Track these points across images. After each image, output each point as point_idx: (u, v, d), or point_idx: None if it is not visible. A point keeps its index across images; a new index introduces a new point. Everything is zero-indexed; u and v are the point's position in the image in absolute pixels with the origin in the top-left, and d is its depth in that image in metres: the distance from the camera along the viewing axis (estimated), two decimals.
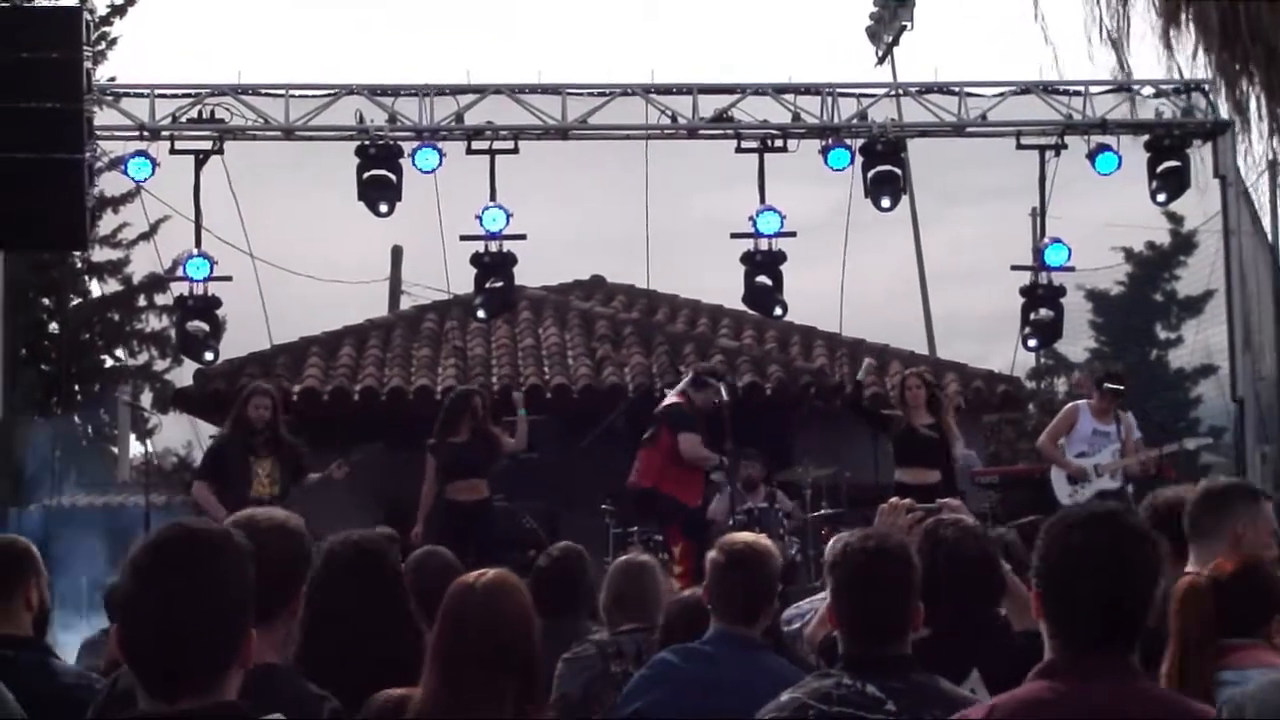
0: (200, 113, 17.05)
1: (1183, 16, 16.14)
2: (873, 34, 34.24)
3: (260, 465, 13.91)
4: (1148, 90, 17.90)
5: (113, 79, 22.73)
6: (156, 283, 37.17)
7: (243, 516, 5.01)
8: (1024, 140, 17.74)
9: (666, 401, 15.79)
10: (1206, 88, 17.58)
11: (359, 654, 5.66)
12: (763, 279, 17.49)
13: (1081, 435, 15.42)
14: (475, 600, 5.08)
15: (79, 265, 37.70)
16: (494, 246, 17.26)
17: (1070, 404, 16.39)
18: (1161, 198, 17.97)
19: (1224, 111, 17.40)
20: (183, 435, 38.88)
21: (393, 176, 16.94)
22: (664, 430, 15.30)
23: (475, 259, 17.33)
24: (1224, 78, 16.36)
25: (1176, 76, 17.26)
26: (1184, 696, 4.40)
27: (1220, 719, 3.74)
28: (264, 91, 17.21)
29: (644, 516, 15.64)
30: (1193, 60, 16.32)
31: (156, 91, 17.09)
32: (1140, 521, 4.27)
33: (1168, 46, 16.46)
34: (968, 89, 17.67)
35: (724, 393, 15.57)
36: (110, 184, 31.56)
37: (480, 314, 18.36)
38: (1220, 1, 15.40)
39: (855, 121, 17.50)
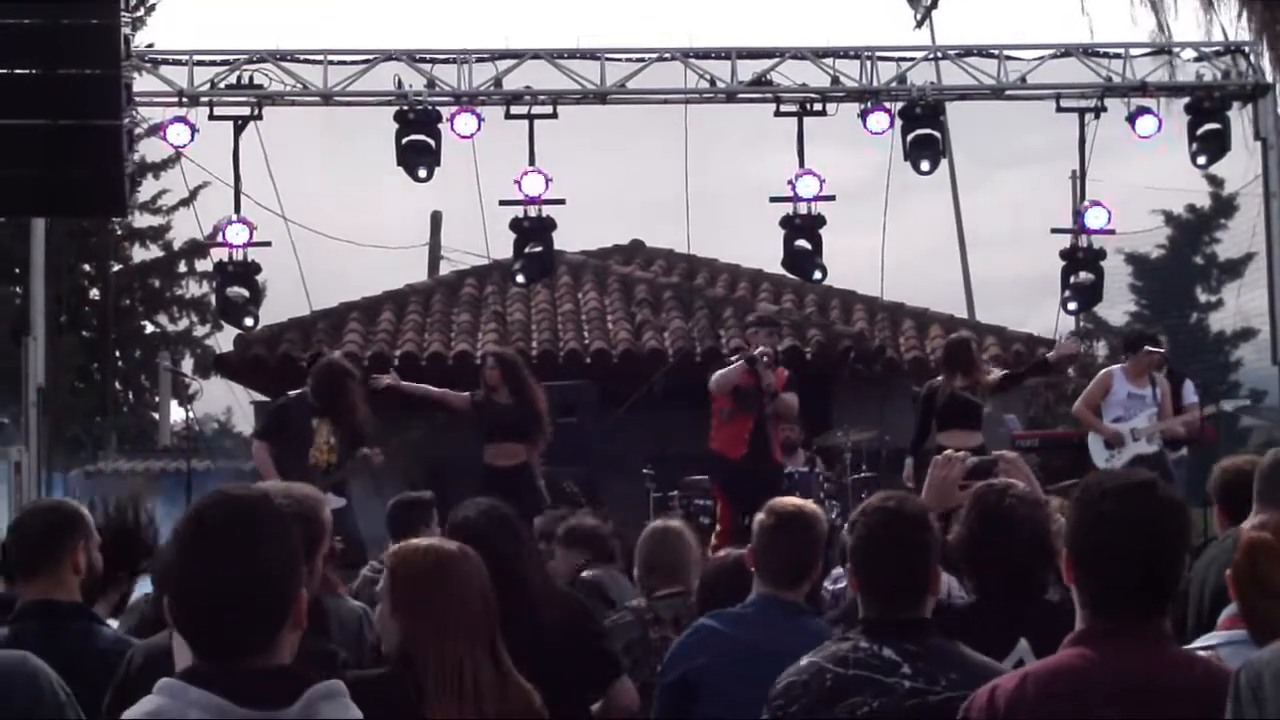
0: (239, 79, 17.04)
1: None
2: None
3: (321, 431, 13.87)
4: (1188, 53, 17.82)
5: (151, 45, 22.79)
6: (197, 249, 37.39)
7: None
8: (1063, 103, 17.63)
9: None
10: (1247, 49, 17.49)
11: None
12: (802, 243, 17.45)
13: (1117, 399, 15.36)
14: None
15: (119, 231, 37.83)
16: (533, 211, 17.24)
17: (1104, 370, 16.34)
18: (1202, 160, 17.85)
19: (1266, 73, 17.32)
20: (223, 400, 39.15)
21: (431, 142, 16.93)
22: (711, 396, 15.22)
23: (514, 224, 17.31)
24: (1266, 38, 16.30)
25: (1217, 38, 17.19)
26: (1216, 661, 4.39)
27: (1237, 683, 3.73)
28: (302, 58, 17.19)
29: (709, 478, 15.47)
30: (1236, 21, 16.29)
31: (195, 57, 17.08)
32: (1171, 491, 4.26)
33: (1209, 7, 16.42)
34: (1007, 52, 17.57)
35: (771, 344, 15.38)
36: (150, 150, 31.75)
37: (519, 279, 18.35)
38: None
39: (894, 85, 17.42)
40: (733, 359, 15.27)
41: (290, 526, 3.58)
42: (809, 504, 6.77)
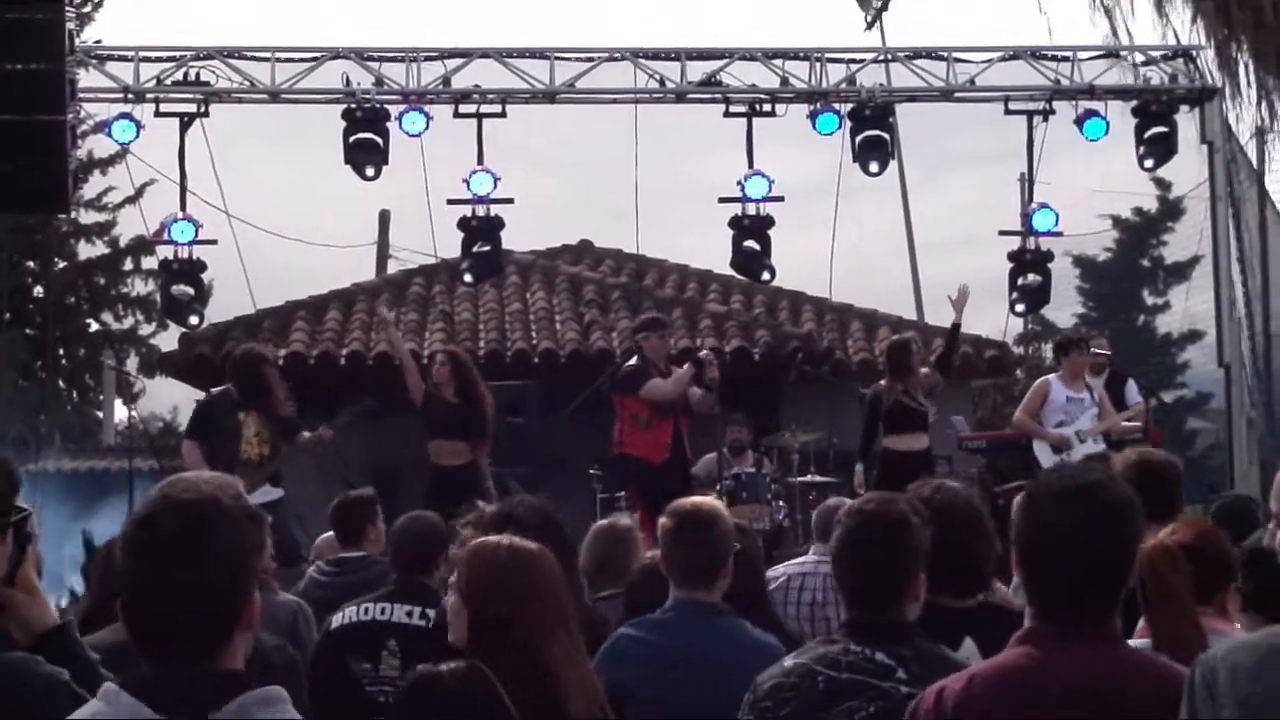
0: (185, 75, 16.98)
1: None
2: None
3: (250, 425, 13.85)
4: (1137, 56, 17.88)
5: (99, 41, 22.67)
6: (142, 246, 37.13)
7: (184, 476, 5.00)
8: (1012, 105, 17.71)
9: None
10: (1195, 53, 17.57)
11: None
12: (751, 244, 17.47)
13: (1056, 405, 15.39)
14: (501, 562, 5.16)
15: (64, 228, 37.59)
16: (481, 210, 17.22)
17: (1040, 379, 16.36)
18: (1149, 164, 17.96)
19: (1212, 78, 17.40)
20: (169, 399, 38.95)
21: (379, 140, 16.89)
22: (613, 400, 15.17)
23: (462, 223, 17.28)
24: (1214, 43, 16.37)
25: (1168, 42, 17.26)
26: (1163, 658, 4.38)
27: (1192, 682, 3.71)
28: (249, 54, 17.13)
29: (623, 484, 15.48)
30: (1190, 25, 16.35)
31: (141, 54, 17.01)
32: (1119, 491, 4.23)
33: (1161, 12, 16.48)
34: (956, 54, 17.65)
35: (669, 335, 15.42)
36: (97, 147, 31.54)
37: (467, 278, 18.34)
38: None
39: (844, 86, 17.46)
40: (629, 363, 15.29)
41: (243, 528, 3.52)
42: (708, 501, 6.78)
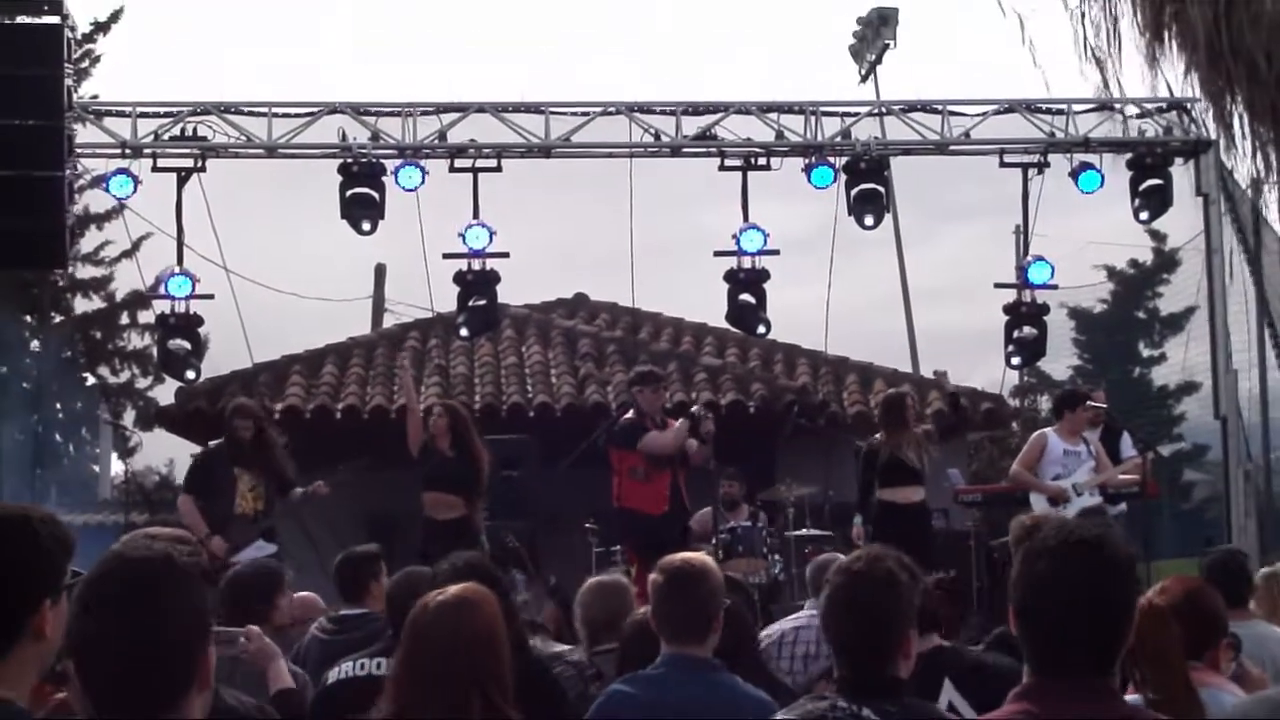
0: (183, 130, 17.01)
1: (1166, 35, 16.19)
2: (856, 52, 34.43)
3: (243, 479, 13.86)
4: (1131, 109, 17.92)
5: (95, 97, 22.71)
6: (139, 300, 37.15)
7: (138, 534, 5.01)
8: (1007, 159, 17.73)
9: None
10: (1189, 106, 17.61)
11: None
12: (746, 297, 17.47)
13: (1054, 458, 15.38)
14: (433, 619, 5.19)
15: (61, 282, 37.63)
16: (477, 264, 17.22)
17: (1037, 432, 16.35)
18: (1144, 216, 17.94)
19: (1207, 130, 17.44)
20: (164, 453, 38.89)
21: (375, 194, 16.90)
22: (610, 454, 15.17)
23: (458, 277, 17.28)
24: (1209, 96, 16.41)
25: (1162, 94, 17.30)
26: (1163, 716, 4.37)
27: None
28: (246, 109, 17.17)
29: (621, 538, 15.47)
30: (1184, 79, 16.39)
31: (139, 109, 17.04)
32: (1117, 547, 4.22)
33: (1153, 65, 16.52)
34: (951, 107, 17.66)
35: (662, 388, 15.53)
36: (93, 201, 31.60)
37: (463, 332, 18.32)
38: (1204, 19, 15.44)
39: (839, 140, 17.48)
40: (625, 416, 15.31)
41: (195, 585, 3.50)
42: (698, 556, 6.79)
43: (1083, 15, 16.85)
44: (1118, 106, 17.82)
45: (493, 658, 5.17)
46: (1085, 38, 16.79)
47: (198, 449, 16.76)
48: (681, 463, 14.99)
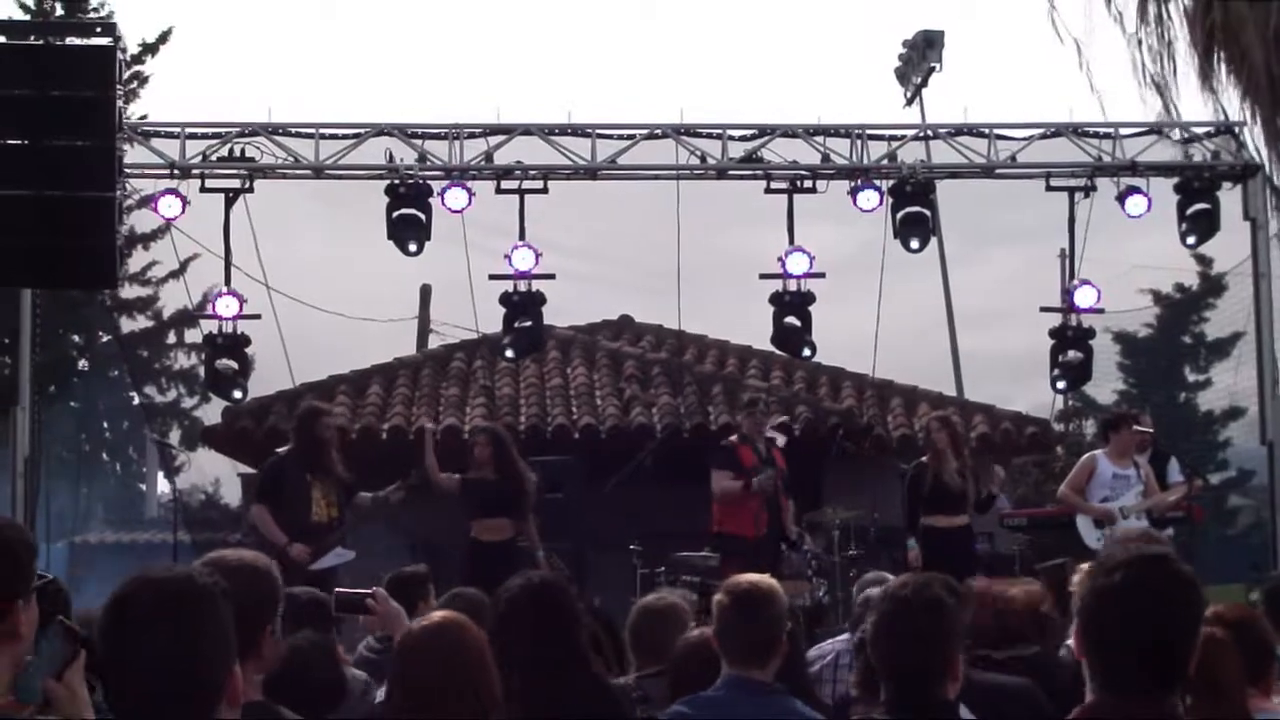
0: (230, 151, 17.05)
1: (1217, 59, 16.16)
2: (901, 75, 34.37)
3: (317, 487, 13.83)
4: (1178, 132, 17.85)
5: (144, 117, 22.87)
6: (186, 320, 37.34)
7: (211, 557, 5.05)
8: (1053, 182, 17.66)
9: None
10: (1238, 130, 17.53)
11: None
12: (791, 320, 17.44)
13: (1103, 480, 15.35)
14: (419, 646, 5.42)
15: (108, 302, 37.82)
16: (523, 286, 17.23)
17: (1087, 454, 16.30)
18: (1191, 240, 17.85)
19: (1257, 153, 17.36)
20: (210, 473, 39.04)
21: (422, 216, 16.93)
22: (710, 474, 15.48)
23: (504, 298, 17.29)
24: (1260, 119, 16.36)
25: (1212, 118, 17.23)
26: None
27: None
28: (294, 131, 17.20)
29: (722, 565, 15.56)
30: (1240, 105, 16.33)
31: (187, 130, 17.09)
32: (1183, 566, 4.21)
33: (1207, 89, 16.49)
34: (997, 130, 17.61)
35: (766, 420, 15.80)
36: (141, 221, 31.74)
37: (509, 353, 18.34)
38: (1256, 43, 15.41)
39: (884, 162, 17.44)
40: (727, 440, 15.52)
41: (219, 604, 3.52)
42: (765, 579, 6.73)
43: (1139, 41, 16.84)
44: (1166, 130, 17.76)
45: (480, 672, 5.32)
46: (1144, 63, 16.78)
47: (244, 469, 16.80)
48: (782, 492, 15.36)
